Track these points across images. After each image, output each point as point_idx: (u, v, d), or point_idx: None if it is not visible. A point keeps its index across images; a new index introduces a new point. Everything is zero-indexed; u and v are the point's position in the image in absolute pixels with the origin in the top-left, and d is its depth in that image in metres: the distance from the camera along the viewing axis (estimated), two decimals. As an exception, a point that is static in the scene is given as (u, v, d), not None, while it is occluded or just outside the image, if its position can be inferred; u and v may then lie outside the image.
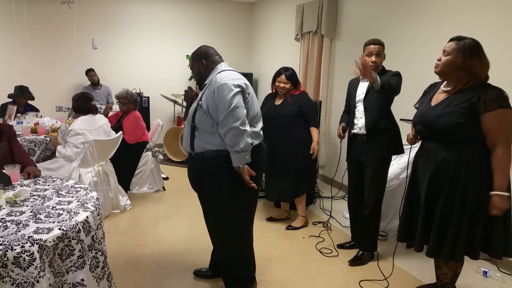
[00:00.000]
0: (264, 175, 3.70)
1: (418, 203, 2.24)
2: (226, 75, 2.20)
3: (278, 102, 3.56)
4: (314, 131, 3.50)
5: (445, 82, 2.18)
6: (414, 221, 2.26)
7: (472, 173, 2.03)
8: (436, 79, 2.29)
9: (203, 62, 2.32)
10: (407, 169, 3.00)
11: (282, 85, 3.48)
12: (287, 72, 3.48)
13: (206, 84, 2.31)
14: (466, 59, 2.01)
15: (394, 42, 3.92)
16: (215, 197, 2.29)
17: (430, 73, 3.57)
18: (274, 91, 3.61)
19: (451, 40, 2.10)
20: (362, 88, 2.91)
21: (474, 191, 2.03)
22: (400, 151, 2.93)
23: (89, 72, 6.13)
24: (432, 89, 2.31)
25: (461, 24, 3.29)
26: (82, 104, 3.73)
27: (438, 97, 2.18)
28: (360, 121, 2.90)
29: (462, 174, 2.05)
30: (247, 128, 2.15)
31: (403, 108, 3.12)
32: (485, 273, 2.90)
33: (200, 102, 2.24)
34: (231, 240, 2.37)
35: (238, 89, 2.14)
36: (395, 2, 4.03)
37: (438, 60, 2.12)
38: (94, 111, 3.80)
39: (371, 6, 4.36)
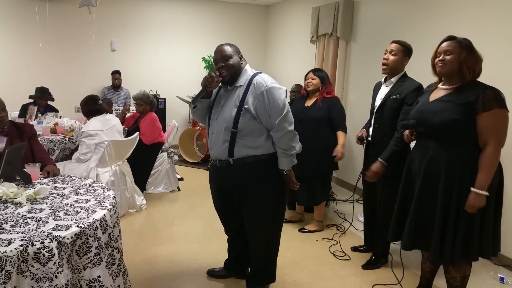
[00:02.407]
0: None
1: (411, 201, 2.24)
2: (269, 78, 2.20)
3: (308, 104, 3.48)
4: (340, 135, 3.38)
5: (444, 80, 2.18)
6: (405, 220, 2.26)
7: (466, 173, 2.04)
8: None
9: (241, 56, 2.29)
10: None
11: (309, 80, 3.43)
12: (316, 71, 3.48)
13: (239, 86, 2.22)
14: (468, 55, 2.04)
15: (412, 45, 3.87)
16: (260, 197, 2.26)
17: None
18: (305, 93, 3.55)
19: (445, 40, 2.12)
20: (381, 93, 2.84)
21: (468, 191, 2.03)
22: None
23: (114, 74, 6.20)
24: (430, 87, 2.31)
25: (478, 29, 3.25)
26: (92, 107, 3.79)
27: (437, 94, 2.18)
28: (370, 130, 2.89)
29: (456, 173, 2.06)
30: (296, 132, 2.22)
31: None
32: (502, 279, 2.85)
33: (246, 107, 2.15)
34: (271, 237, 2.44)
35: (286, 93, 2.19)
36: (412, 5, 4.00)
37: (441, 61, 2.11)
38: (104, 110, 3.86)
39: (387, 9, 4.33)
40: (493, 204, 2.07)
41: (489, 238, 2.09)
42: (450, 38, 2.11)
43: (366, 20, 4.68)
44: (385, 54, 2.76)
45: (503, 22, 3.10)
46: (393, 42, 2.77)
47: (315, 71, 3.50)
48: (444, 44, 2.11)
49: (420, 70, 3.41)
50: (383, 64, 2.75)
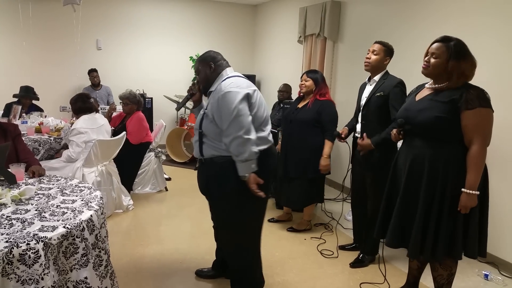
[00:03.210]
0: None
1: (413, 207, 2.22)
2: (232, 82, 2.17)
3: (300, 105, 3.44)
4: (326, 144, 3.28)
5: (431, 80, 2.20)
6: (407, 226, 2.24)
7: (450, 172, 2.06)
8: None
9: (211, 65, 2.29)
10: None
11: (302, 82, 3.40)
12: (311, 73, 3.42)
13: (211, 91, 2.28)
14: (457, 62, 2.02)
15: (397, 44, 3.89)
16: (220, 201, 2.29)
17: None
18: (300, 93, 3.51)
19: (437, 41, 2.10)
20: (366, 92, 2.93)
21: (452, 189, 2.06)
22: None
23: (92, 73, 6.08)
24: (418, 88, 2.33)
25: (463, 27, 3.31)
26: (82, 105, 3.76)
27: (423, 93, 2.22)
28: (357, 127, 2.94)
29: (440, 171, 2.08)
30: (252, 136, 2.11)
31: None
32: (486, 276, 2.90)
33: (206, 110, 2.24)
34: (237, 245, 2.35)
35: (242, 97, 2.10)
36: (398, 5, 4.05)
37: (426, 61, 2.13)
38: (94, 109, 3.83)
39: (374, 9, 4.37)
40: (478, 204, 2.07)
41: (474, 237, 2.11)
42: (443, 39, 2.08)
43: (353, 20, 4.72)
44: (368, 53, 2.87)
45: (488, 17, 3.15)
46: (376, 42, 2.88)
47: (308, 72, 3.45)
48: (434, 45, 2.11)
49: (405, 69, 3.48)
50: (366, 64, 2.87)
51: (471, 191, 2.01)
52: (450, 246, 2.12)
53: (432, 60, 2.09)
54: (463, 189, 2.02)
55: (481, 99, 2.00)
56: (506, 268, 3.01)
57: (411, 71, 3.67)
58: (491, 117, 2.05)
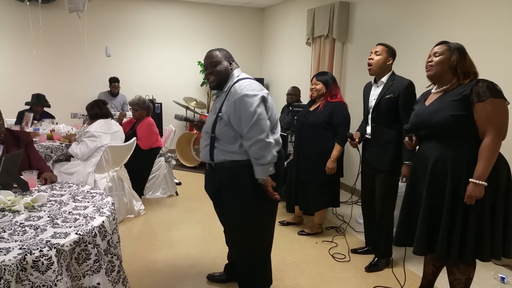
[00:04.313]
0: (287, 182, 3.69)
1: (418, 205, 2.20)
2: (247, 85, 2.15)
3: (312, 108, 3.40)
4: (335, 147, 3.22)
5: (436, 85, 2.21)
6: (412, 225, 2.23)
7: (472, 169, 2.02)
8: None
9: (230, 62, 2.27)
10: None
11: (312, 86, 3.37)
12: (320, 75, 3.38)
13: (224, 91, 2.25)
14: (459, 58, 2.07)
15: (406, 44, 3.90)
16: (234, 206, 2.26)
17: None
18: (311, 97, 3.48)
19: (437, 44, 2.16)
20: (374, 94, 2.89)
21: None
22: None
23: (113, 83, 6.16)
24: (425, 95, 2.32)
25: (470, 24, 3.29)
26: (99, 111, 3.81)
27: (432, 97, 2.21)
28: (367, 129, 2.92)
29: (463, 170, 2.04)
30: (272, 139, 2.13)
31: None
32: (502, 279, 2.85)
33: (220, 114, 2.18)
34: (250, 248, 2.35)
35: (260, 100, 2.11)
36: (406, 5, 4.02)
37: (428, 63, 2.14)
38: (110, 115, 3.89)
39: (383, 10, 4.34)
40: (502, 204, 2.04)
41: (499, 238, 2.06)
42: (441, 42, 2.15)
43: (362, 21, 4.69)
44: (370, 55, 2.85)
45: (497, 27, 3.13)
46: (378, 44, 2.86)
47: (318, 75, 3.41)
48: (435, 47, 2.16)
49: (414, 72, 3.44)
50: (369, 64, 2.84)
51: (478, 181, 1.97)
52: (477, 248, 2.07)
53: (435, 58, 2.11)
54: (470, 179, 1.99)
55: (492, 90, 1.98)
56: (523, 270, 2.95)
57: (419, 75, 3.64)
58: (504, 108, 2.01)
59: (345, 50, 4.98)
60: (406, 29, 4.01)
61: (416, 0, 3.89)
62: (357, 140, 2.98)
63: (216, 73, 2.24)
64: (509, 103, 2.03)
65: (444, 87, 2.13)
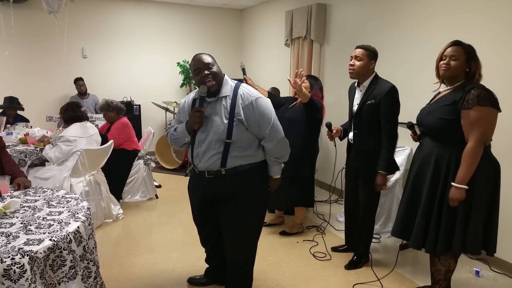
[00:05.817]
0: None
1: (418, 200, 2.31)
2: (248, 89, 2.19)
3: (291, 105, 3.50)
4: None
5: (446, 82, 2.29)
6: (412, 219, 2.33)
7: (452, 169, 2.18)
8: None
9: (218, 66, 2.23)
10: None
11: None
12: (310, 78, 3.50)
13: (226, 96, 2.16)
14: (472, 61, 2.16)
15: (382, 45, 3.95)
16: (255, 206, 2.28)
17: (419, 74, 3.63)
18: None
19: (453, 45, 2.20)
20: (357, 98, 2.85)
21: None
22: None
23: (78, 82, 6.01)
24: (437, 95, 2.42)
25: (447, 26, 3.34)
26: (72, 114, 3.71)
27: (437, 96, 2.35)
28: (350, 135, 2.92)
29: (443, 169, 2.19)
30: None
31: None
32: (477, 272, 2.92)
33: (239, 118, 2.11)
34: (250, 249, 2.42)
35: (270, 103, 2.22)
36: (382, 6, 4.08)
37: (446, 64, 2.19)
38: (85, 117, 3.79)
39: (358, 10, 4.41)
40: (484, 202, 2.15)
41: (475, 234, 2.15)
42: (456, 43, 2.20)
43: (339, 22, 4.75)
44: (351, 60, 2.76)
45: (472, 14, 3.17)
46: (358, 47, 2.76)
47: (309, 77, 3.54)
48: (450, 49, 2.20)
49: (390, 68, 3.51)
50: (350, 70, 2.76)
51: (459, 185, 2.09)
52: (449, 241, 2.17)
53: (452, 62, 2.18)
54: (452, 183, 2.12)
55: (481, 98, 2.06)
56: (496, 264, 3.03)
57: (396, 70, 3.71)
58: (490, 116, 2.09)
59: (323, 51, 5.03)
60: (383, 30, 4.08)
61: (392, 1, 3.97)
62: (334, 132, 2.95)
63: (214, 74, 2.14)
64: (500, 111, 2.11)
65: (449, 87, 2.24)
